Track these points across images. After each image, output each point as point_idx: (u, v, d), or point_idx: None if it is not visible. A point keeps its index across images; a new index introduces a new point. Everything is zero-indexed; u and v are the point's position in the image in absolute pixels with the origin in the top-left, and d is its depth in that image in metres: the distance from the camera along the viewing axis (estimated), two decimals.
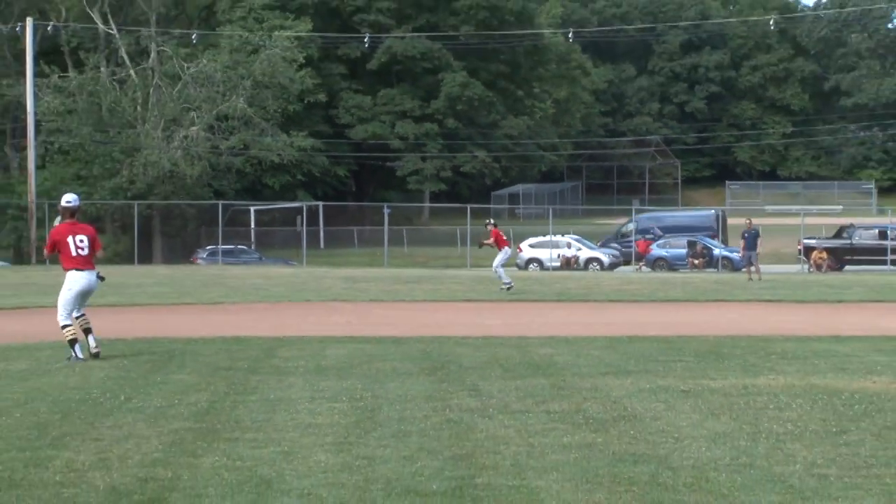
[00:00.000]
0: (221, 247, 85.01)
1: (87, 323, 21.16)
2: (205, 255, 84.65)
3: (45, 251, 21.88)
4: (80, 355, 20.78)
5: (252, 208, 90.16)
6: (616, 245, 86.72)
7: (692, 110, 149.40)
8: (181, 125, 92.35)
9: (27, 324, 27.49)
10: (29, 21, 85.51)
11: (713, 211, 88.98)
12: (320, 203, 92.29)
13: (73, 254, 21.08)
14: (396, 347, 25.10)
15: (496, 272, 47.71)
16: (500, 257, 47.99)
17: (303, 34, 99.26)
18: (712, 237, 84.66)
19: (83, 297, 21.38)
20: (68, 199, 22.41)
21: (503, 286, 46.45)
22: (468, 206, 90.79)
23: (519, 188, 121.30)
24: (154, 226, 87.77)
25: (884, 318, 35.84)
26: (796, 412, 15.96)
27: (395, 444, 13.72)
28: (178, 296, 45.14)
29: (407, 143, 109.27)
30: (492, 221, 51.83)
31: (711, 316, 36.83)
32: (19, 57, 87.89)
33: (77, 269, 21.07)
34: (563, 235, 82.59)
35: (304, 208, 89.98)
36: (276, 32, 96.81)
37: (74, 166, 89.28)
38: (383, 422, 15.33)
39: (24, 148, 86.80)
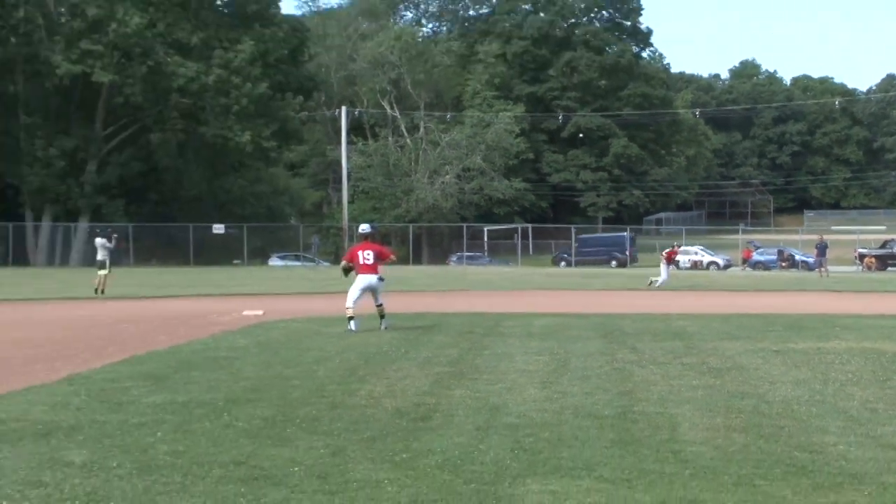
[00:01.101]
0: (466, 254, 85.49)
1: (383, 311, 21.44)
2: (455, 259, 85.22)
3: (344, 260, 22.69)
4: (353, 328, 20.90)
5: (485, 228, 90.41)
6: (566, 256, 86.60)
7: (781, 162, 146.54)
8: (440, 174, 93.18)
9: (338, 303, 27.88)
10: (343, 109, 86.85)
11: (626, 234, 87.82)
12: (529, 225, 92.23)
13: (361, 262, 21.48)
14: (580, 320, 25.02)
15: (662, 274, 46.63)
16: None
17: (518, 114, 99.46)
18: (624, 252, 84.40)
19: (369, 292, 21.59)
20: (364, 228, 23.28)
21: (652, 284, 45.65)
22: (627, 227, 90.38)
23: (662, 215, 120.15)
24: (422, 239, 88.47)
25: None
26: (854, 366, 15.77)
27: (580, 384, 13.72)
28: (438, 285, 45.33)
29: (587, 185, 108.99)
30: (676, 244, 52.01)
31: (794, 301, 36.10)
32: (337, 131, 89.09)
33: (362, 274, 21.44)
34: (692, 246, 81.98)
35: (519, 229, 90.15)
36: (501, 113, 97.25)
37: (372, 202, 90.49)
38: (572, 369, 15.33)
39: (340, 190, 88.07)
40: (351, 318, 21.21)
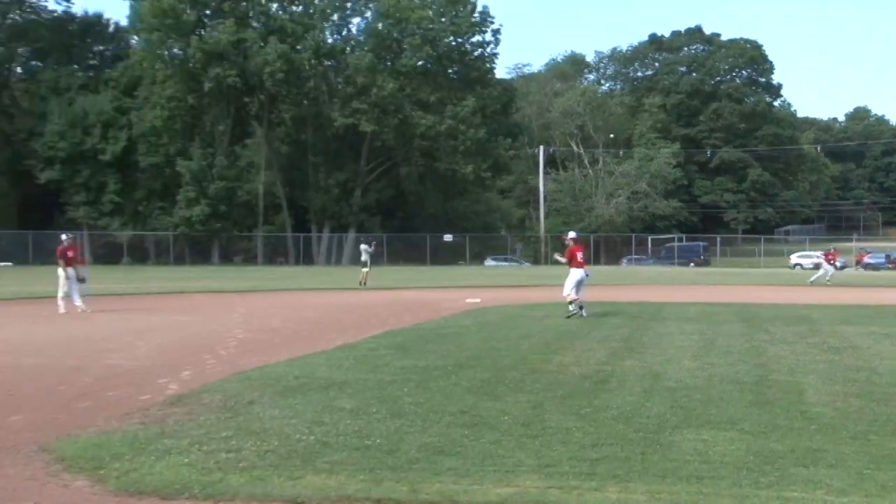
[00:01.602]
0: (634, 257, 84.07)
1: (581, 303, 20.80)
2: (625, 261, 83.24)
3: (566, 257, 21.71)
4: (572, 310, 20.50)
5: (649, 237, 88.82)
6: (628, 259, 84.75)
7: (888, 186, 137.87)
8: (614, 196, 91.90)
9: (539, 293, 27.75)
10: (541, 148, 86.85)
11: (701, 243, 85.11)
12: (683, 235, 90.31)
13: (578, 259, 21.12)
14: (724, 308, 24.30)
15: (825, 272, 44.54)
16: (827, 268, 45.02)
17: (675, 151, 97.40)
18: (699, 256, 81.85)
19: (579, 285, 21.10)
20: (572, 234, 22.79)
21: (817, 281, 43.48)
22: (761, 237, 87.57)
23: (789, 227, 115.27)
24: (600, 246, 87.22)
25: None
26: None
27: (724, 357, 13.35)
28: (613, 281, 44.70)
29: (729, 204, 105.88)
30: (833, 248, 49.42)
31: None
32: (536, 165, 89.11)
33: (577, 268, 21.05)
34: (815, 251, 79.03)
35: (675, 238, 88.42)
36: (662, 150, 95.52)
37: (562, 217, 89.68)
38: (718, 346, 14.88)
39: (538, 208, 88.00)
40: (571, 302, 20.92)
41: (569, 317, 20.52)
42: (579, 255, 21.52)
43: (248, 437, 7.82)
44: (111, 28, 79.02)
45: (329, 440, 7.72)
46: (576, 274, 21.23)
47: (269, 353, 13.78)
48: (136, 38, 72.96)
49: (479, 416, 8.80)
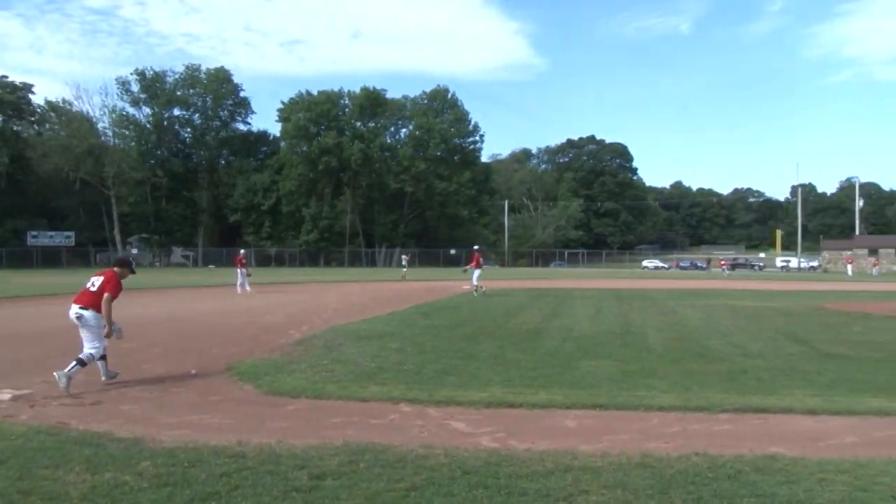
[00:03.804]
0: (557, 262, 79.26)
1: (483, 287, 19.78)
2: (553, 265, 76.12)
3: (472, 262, 19.63)
4: (477, 293, 19.82)
5: (566, 251, 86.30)
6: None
7: (692, 224, 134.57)
8: (546, 228, 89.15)
9: (503, 284, 27.00)
10: (506, 201, 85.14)
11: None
12: (585, 251, 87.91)
13: (479, 262, 19.68)
14: (607, 291, 23.58)
15: None
16: None
17: (581, 203, 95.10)
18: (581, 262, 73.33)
19: (478, 276, 19.72)
20: (476, 247, 22.14)
21: None
22: (627, 251, 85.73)
23: (642, 246, 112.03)
24: (539, 256, 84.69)
25: None
26: (722, 312, 14.59)
27: (606, 319, 12.95)
28: (545, 276, 43.62)
29: (609, 233, 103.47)
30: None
31: None
32: (503, 210, 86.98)
33: (477, 268, 19.63)
34: None
35: (580, 252, 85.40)
36: (573, 202, 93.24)
37: (517, 241, 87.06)
38: (603, 312, 14.48)
39: (504, 235, 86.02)
40: (477, 287, 19.54)
41: (477, 294, 19.42)
42: (480, 260, 20.35)
43: (338, 363, 7.77)
44: (271, 137, 79.47)
45: (383, 366, 7.65)
46: (477, 271, 20.16)
47: (350, 317, 13.70)
48: (283, 142, 73.31)
49: (468, 352, 8.68)
